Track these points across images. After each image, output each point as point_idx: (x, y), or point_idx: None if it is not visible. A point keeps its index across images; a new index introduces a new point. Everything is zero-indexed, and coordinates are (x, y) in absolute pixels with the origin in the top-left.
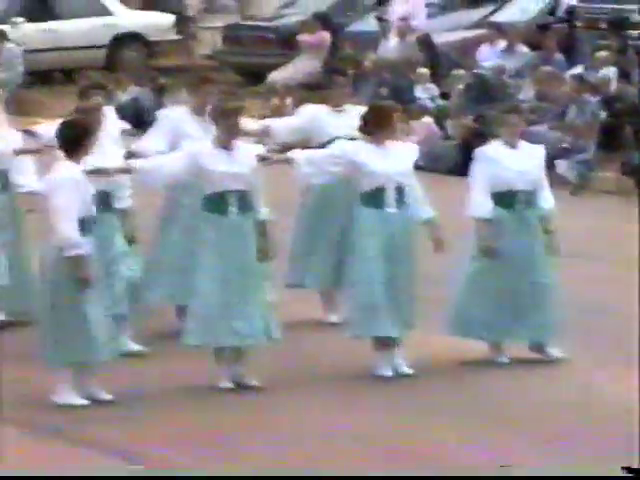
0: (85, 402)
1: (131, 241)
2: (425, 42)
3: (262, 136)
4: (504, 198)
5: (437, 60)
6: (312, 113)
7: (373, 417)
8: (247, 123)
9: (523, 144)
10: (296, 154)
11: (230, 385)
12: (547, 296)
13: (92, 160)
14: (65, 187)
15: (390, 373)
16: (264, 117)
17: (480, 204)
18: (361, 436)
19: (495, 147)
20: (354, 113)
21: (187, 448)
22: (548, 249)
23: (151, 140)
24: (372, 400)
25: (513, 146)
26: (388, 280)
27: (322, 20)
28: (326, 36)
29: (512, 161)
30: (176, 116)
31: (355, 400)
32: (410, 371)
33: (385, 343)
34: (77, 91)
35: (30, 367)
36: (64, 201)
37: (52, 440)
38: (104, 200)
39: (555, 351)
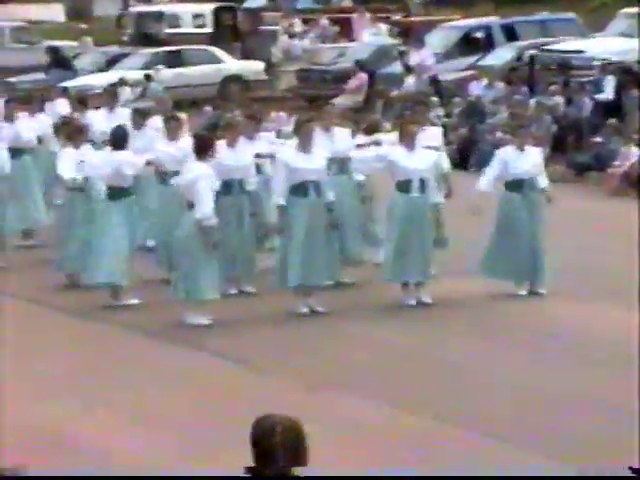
0: (208, 322)
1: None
2: (434, 80)
3: (373, 145)
4: (515, 185)
5: (442, 92)
6: None
7: (402, 329)
8: (360, 138)
9: (528, 147)
10: (353, 153)
11: (306, 310)
12: (541, 254)
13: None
14: (206, 178)
15: (414, 302)
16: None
17: (487, 182)
18: (393, 345)
19: (509, 150)
20: (429, 132)
21: (273, 354)
22: (547, 199)
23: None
24: (399, 320)
25: (521, 149)
26: (411, 240)
27: (361, 66)
28: (364, 77)
29: (520, 160)
30: None
31: (389, 319)
32: (430, 300)
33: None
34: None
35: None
36: (205, 187)
37: (182, 346)
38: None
39: (542, 289)
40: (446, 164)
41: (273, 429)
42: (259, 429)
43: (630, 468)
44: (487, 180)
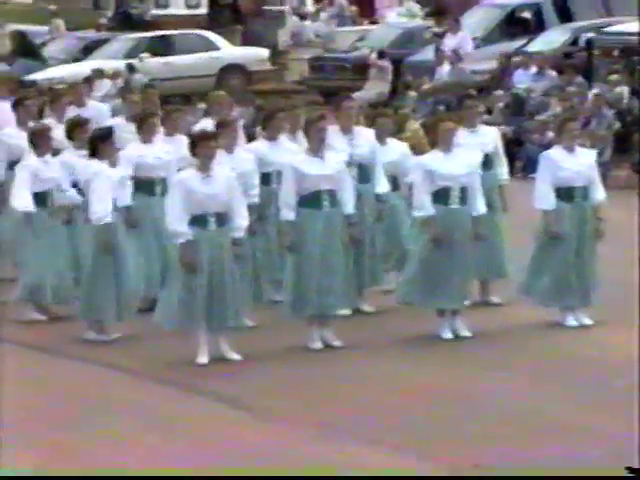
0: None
1: None
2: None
3: None
4: (565, 193)
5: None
6: None
7: (432, 368)
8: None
9: (579, 148)
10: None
11: (319, 345)
12: (592, 276)
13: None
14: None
15: (450, 335)
16: None
17: (545, 198)
18: (421, 386)
19: (556, 151)
20: (485, 132)
21: (279, 397)
22: (597, 232)
23: None
24: (430, 356)
25: (571, 150)
26: (449, 259)
27: (381, 54)
28: (388, 65)
29: (570, 162)
30: None
31: (418, 356)
32: (469, 333)
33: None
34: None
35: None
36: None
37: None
38: None
39: (588, 320)
40: (505, 174)
41: None
42: None
43: (628, 468)
44: (546, 196)
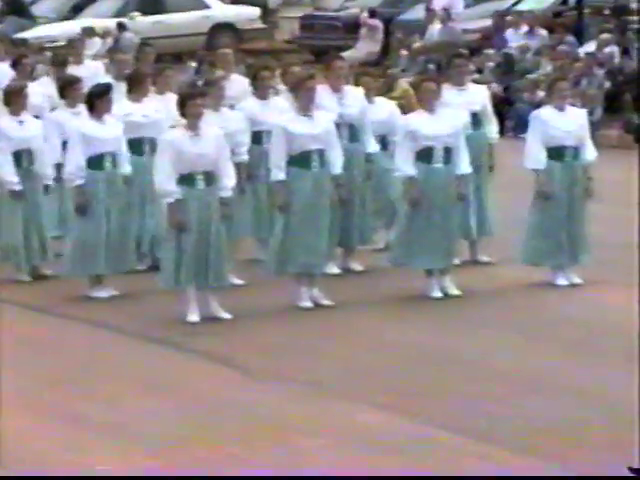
0: (197, 319)
1: None
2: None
3: None
4: (555, 152)
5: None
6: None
7: (421, 327)
8: None
9: (569, 108)
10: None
11: (309, 304)
12: (582, 235)
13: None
14: None
15: (439, 294)
16: None
17: (535, 157)
18: (411, 345)
19: (546, 110)
20: (474, 91)
21: (269, 356)
22: (587, 192)
23: None
24: (418, 315)
25: (561, 109)
26: (433, 218)
27: (373, 13)
28: (379, 24)
29: (561, 122)
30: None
31: (406, 315)
32: (458, 292)
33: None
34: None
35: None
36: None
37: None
38: None
39: (578, 279)
40: (495, 132)
41: None
42: None
43: (629, 468)
44: (537, 155)
